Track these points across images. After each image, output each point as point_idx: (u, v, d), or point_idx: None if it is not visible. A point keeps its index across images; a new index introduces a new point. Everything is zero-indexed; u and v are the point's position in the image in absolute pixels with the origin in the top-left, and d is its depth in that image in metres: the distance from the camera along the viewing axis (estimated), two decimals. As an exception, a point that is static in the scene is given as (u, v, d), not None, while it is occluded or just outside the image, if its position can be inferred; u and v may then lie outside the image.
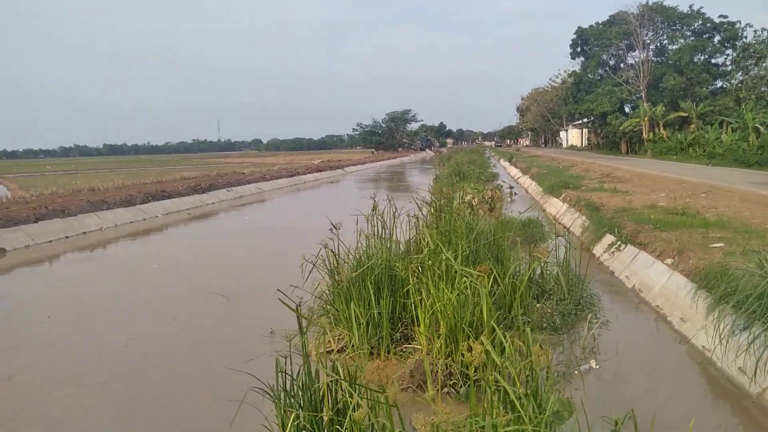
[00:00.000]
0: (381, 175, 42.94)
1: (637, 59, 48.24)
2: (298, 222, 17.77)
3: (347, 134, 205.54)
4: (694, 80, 42.99)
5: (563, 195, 16.48)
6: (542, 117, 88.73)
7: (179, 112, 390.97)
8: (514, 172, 33.35)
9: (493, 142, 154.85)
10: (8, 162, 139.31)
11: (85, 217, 16.17)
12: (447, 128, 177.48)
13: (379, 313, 5.67)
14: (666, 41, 47.49)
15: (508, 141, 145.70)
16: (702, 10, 44.68)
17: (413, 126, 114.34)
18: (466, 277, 5.11)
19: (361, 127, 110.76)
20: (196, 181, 24.55)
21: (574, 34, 51.78)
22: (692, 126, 40.75)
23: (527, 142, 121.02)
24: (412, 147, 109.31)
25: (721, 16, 43.96)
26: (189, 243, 15.15)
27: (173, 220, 18.67)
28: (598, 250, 10.40)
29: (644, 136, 43.30)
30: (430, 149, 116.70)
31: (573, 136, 71.26)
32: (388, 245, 6.58)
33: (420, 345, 5.41)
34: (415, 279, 5.74)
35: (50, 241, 14.26)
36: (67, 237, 14.81)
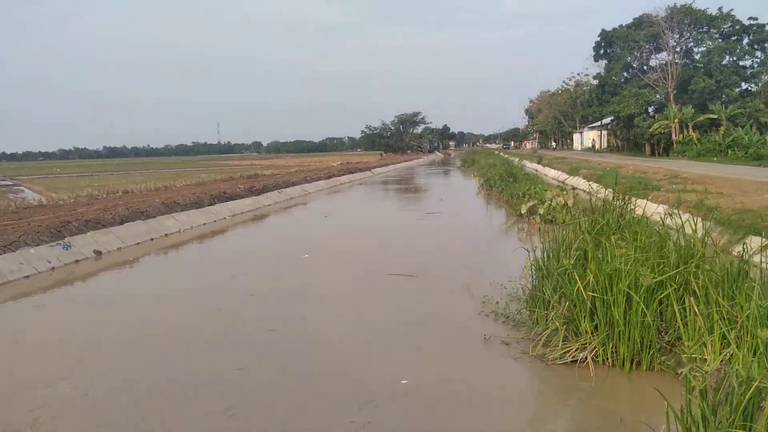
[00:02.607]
0: (412, 175, 42.68)
1: (662, 61, 48.06)
2: (373, 219, 17.47)
3: (348, 136, 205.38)
4: (723, 82, 42.83)
5: (651, 196, 16.18)
6: (554, 119, 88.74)
7: (178, 113, 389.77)
8: (554, 173, 33.05)
9: (497, 144, 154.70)
10: (11, 164, 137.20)
11: (163, 219, 15.77)
12: (450, 130, 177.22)
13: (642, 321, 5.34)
14: (692, 43, 47.35)
15: (513, 143, 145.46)
16: (732, 13, 44.56)
17: (418, 129, 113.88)
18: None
19: (370, 129, 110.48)
20: (250, 182, 24.17)
21: (598, 36, 51.61)
22: (722, 128, 40.58)
23: (535, 145, 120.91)
24: (421, 149, 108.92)
25: (750, 18, 43.92)
26: (303, 236, 15.35)
27: (241, 220, 18.32)
28: (742, 253, 10.06)
29: (674, 138, 43.12)
30: (438, 151, 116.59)
31: (590, 138, 71.10)
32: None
33: (703, 355, 5.05)
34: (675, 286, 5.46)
35: (138, 243, 13.83)
36: (151, 239, 14.39)
